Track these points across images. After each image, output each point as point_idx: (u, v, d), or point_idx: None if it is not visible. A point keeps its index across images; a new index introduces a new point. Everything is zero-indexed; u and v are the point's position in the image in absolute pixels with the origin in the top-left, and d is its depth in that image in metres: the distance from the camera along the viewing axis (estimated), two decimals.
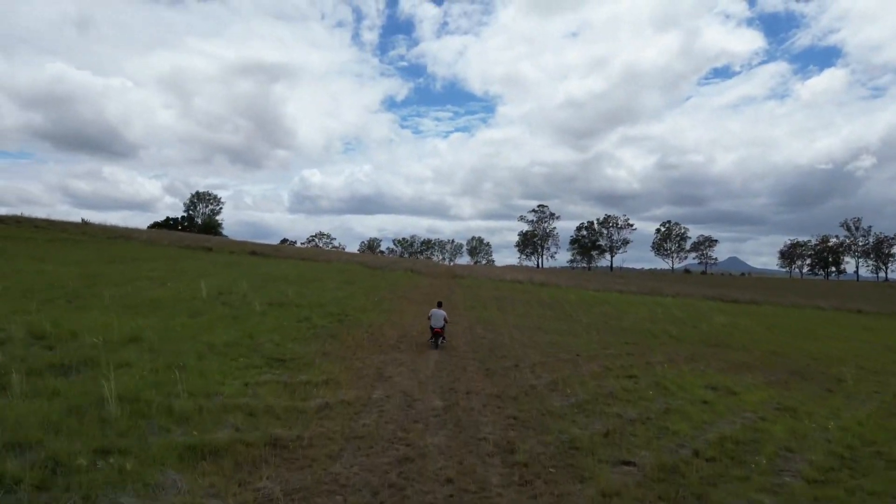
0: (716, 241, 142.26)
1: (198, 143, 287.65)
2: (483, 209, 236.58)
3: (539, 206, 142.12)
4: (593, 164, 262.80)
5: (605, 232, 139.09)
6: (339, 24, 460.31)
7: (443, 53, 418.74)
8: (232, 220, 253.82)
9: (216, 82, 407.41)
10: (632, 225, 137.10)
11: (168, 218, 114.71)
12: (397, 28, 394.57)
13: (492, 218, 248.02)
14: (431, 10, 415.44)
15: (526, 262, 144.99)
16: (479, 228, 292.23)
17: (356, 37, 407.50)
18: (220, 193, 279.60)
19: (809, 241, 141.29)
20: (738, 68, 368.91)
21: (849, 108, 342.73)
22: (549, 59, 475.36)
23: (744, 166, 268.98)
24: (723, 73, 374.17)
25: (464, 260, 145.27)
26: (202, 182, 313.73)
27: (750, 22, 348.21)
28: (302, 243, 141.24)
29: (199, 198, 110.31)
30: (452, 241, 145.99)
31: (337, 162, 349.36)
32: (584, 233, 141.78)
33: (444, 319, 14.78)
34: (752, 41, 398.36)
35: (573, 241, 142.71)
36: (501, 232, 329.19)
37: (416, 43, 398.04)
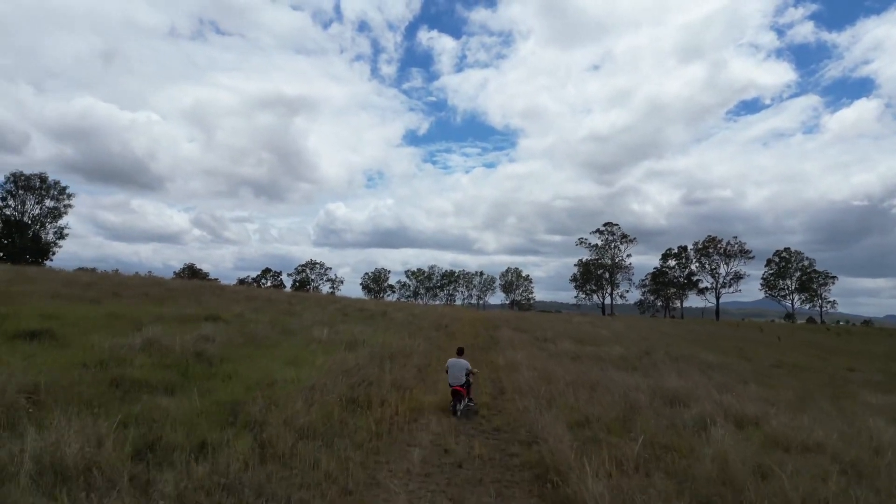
0: (834, 276, 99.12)
1: (222, 176, 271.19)
2: (507, 244, 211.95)
3: (606, 225, 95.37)
4: (618, 199, 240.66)
5: (706, 263, 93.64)
6: (358, 58, 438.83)
7: (463, 87, 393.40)
8: (258, 253, 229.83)
9: (238, 115, 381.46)
10: (748, 252, 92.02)
11: None
12: (415, 61, 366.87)
13: (517, 253, 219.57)
14: (450, 44, 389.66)
15: (584, 302, 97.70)
16: (503, 263, 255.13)
17: (375, 70, 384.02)
18: (247, 227, 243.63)
19: None
20: (767, 101, 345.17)
21: (885, 143, 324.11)
22: (570, 92, 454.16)
23: (776, 202, 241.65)
24: (751, 106, 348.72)
25: (496, 300, 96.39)
26: (228, 215, 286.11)
27: (779, 53, 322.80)
28: (289, 274, 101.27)
29: (25, 185, 55.67)
30: (482, 273, 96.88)
31: (360, 195, 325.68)
32: (673, 262, 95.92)
33: (468, 372, 9.75)
34: (782, 73, 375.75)
35: (655, 276, 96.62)
36: (527, 267, 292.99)
37: (435, 76, 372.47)
